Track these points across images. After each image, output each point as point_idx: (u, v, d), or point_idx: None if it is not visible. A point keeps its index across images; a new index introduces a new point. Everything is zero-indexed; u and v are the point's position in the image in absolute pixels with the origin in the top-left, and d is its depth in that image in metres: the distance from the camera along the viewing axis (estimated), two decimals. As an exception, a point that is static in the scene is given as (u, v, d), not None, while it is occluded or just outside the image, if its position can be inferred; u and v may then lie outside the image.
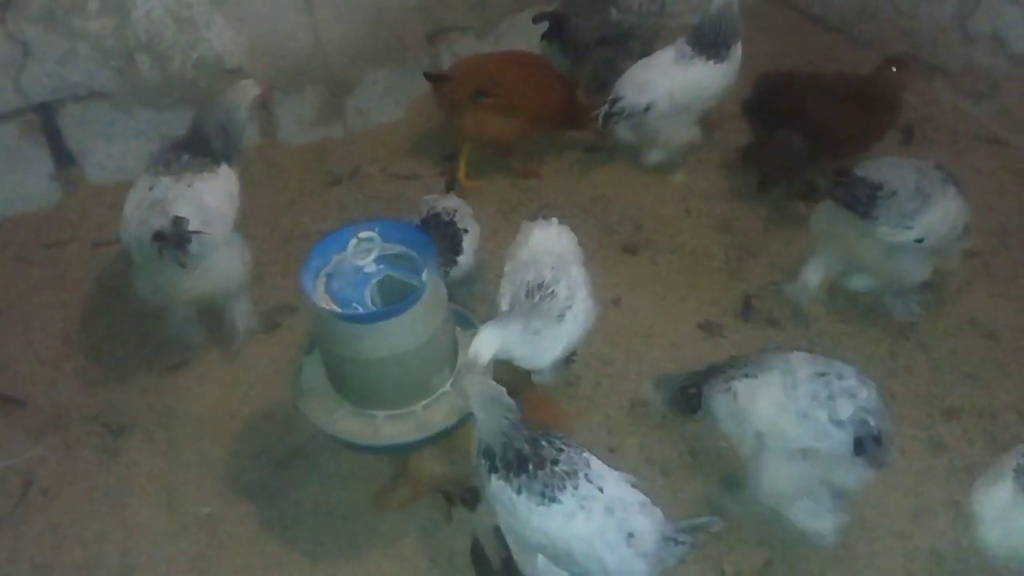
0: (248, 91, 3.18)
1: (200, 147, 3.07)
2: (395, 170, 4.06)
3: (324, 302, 2.44)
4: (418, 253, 2.53)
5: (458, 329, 2.73)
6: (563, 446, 2.25)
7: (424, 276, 2.46)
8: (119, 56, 3.76)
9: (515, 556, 2.36)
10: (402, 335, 2.40)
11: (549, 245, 2.87)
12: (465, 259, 3.15)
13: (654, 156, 3.96)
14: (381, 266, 2.51)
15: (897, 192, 2.92)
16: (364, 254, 2.49)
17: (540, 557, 2.30)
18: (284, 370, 3.09)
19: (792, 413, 2.39)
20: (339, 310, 2.41)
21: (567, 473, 2.19)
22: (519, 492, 2.19)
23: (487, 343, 2.44)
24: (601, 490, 2.19)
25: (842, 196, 2.97)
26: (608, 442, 2.94)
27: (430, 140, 4.21)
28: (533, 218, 2.99)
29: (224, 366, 3.28)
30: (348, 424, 2.55)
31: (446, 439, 2.64)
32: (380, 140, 4.20)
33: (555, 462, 2.20)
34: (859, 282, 3.28)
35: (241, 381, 3.22)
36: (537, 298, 2.67)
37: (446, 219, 3.13)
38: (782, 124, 3.63)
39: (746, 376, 2.50)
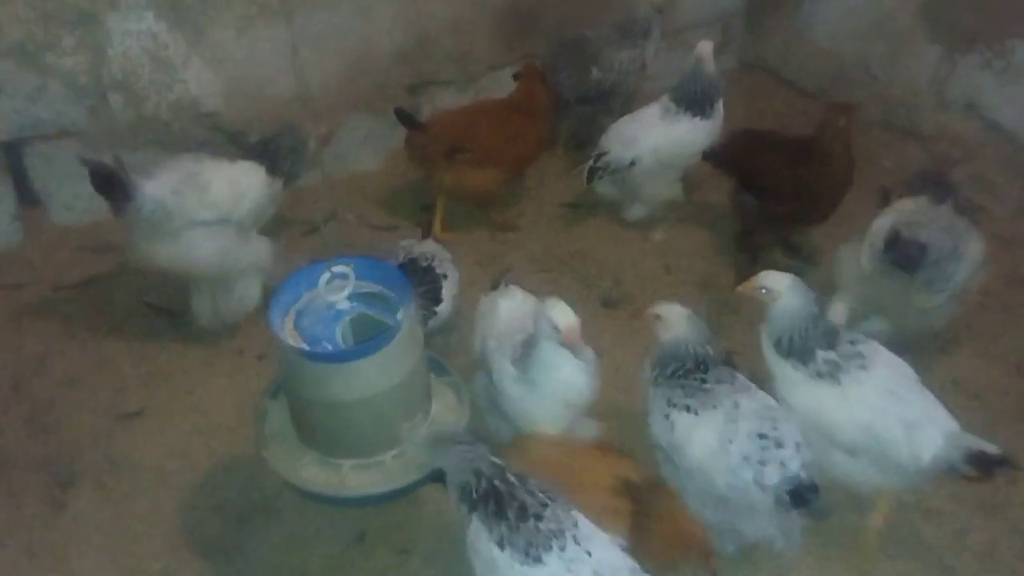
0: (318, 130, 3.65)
1: (259, 152, 3.38)
2: (373, 219, 3.99)
3: (292, 339, 2.32)
4: (394, 292, 2.43)
5: (432, 377, 2.61)
6: (547, 500, 2.12)
7: (400, 315, 2.36)
8: (92, 94, 3.68)
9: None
10: (374, 376, 2.29)
11: (520, 313, 2.79)
12: (444, 307, 3.04)
13: (636, 212, 3.94)
14: (355, 303, 2.41)
15: (940, 261, 2.92)
16: (337, 290, 2.38)
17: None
18: (248, 419, 2.94)
19: (722, 465, 2.37)
20: (307, 348, 2.29)
21: (553, 532, 2.06)
22: (501, 546, 2.06)
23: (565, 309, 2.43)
24: (589, 554, 2.05)
25: (896, 258, 2.93)
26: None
27: (408, 190, 4.15)
28: (494, 287, 2.95)
29: (184, 413, 3.13)
30: (312, 473, 2.41)
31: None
32: (358, 188, 4.14)
33: (539, 517, 2.07)
34: (878, 326, 3.15)
35: (202, 429, 3.07)
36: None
37: (424, 264, 3.03)
38: (737, 179, 3.70)
39: (687, 409, 2.45)
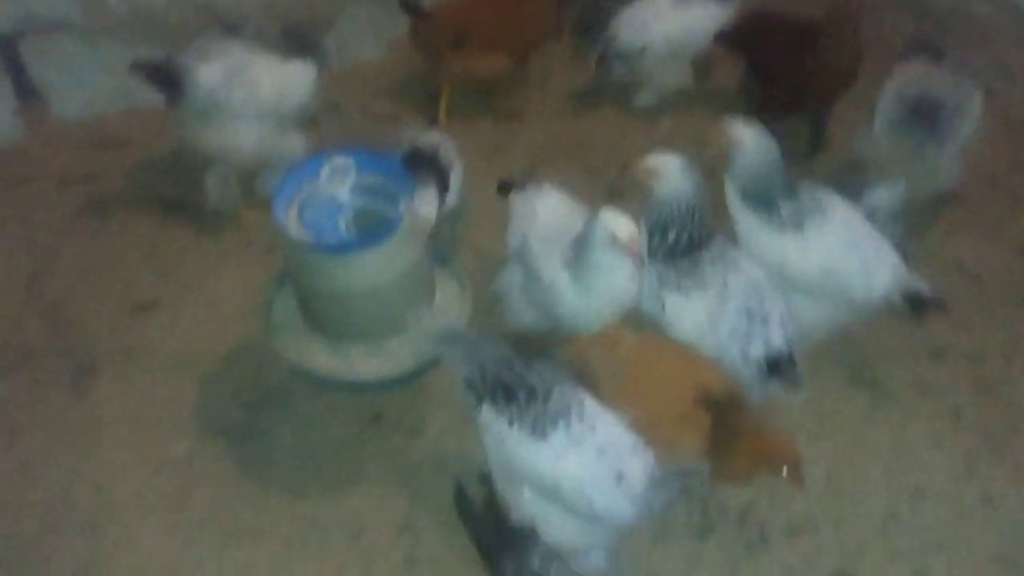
0: None
1: (299, 45, 3.31)
2: (376, 110, 3.94)
3: (296, 231, 2.34)
4: (396, 184, 2.43)
5: (436, 267, 2.64)
6: (554, 380, 2.20)
7: (402, 207, 2.37)
8: (85, -15, 3.60)
9: (499, 487, 2.31)
10: (377, 268, 2.32)
11: (560, 214, 2.74)
12: (451, 197, 3.03)
13: (645, 98, 3.89)
14: (357, 196, 2.42)
15: (952, 116, 3.03)
16: (338, 182, 2.39)
17: (526, 490, 2.25)
18: (258, 307, 2.99)
19: (709, 340, 2.48)
20: (312, 240, 2.31)
21: (559, 411, 2.15)
22: (510, 423, 2.15)
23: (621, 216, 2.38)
24: (593, 430, 2.14)
25: (919, 119, 3.02)
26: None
27: (411, 80, 4.08)
28: (521, 188, 2.86)
29: (196, 304, 3.19)
30: (321, 360, 2.47)
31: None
32: (359, 78, 4.06)
33: (547, 398, 2.16)
34: (891, 194, 3.01)
35: (214, 319, 3.13)
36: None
37: (429, 155, 3.02)
38: (745, 63, 3.67)
39: (678, 290, 2.52)
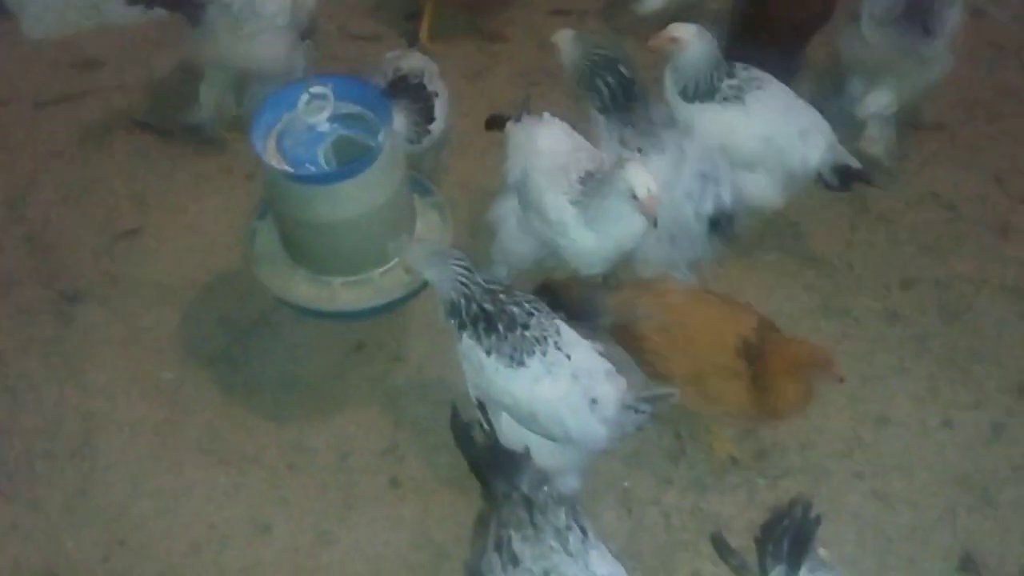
0: None
1: None
2: (355, 30, 3.86)
3: (275, 161, 2.34)
4: (375, 112, 2.41)
5: (416, 197, 2.65)
6: (533, 310, 2.26)
7: (381, 136, 2.36)
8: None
9: (478, 412, 2.39)
10: (357, 197, 2.32)
11: (563, 145, 2.66)
12: (436, 125, 2.98)
13: (651, 3, 3.79)
14: (335, 125, 2.40)
15: (940, 9, 3.00)
16: (316, 111, 2.37)
17: (504, 416, 2.34)
18: (240, 236, 3.01)
19: (666, 199, 2.54)
20: (291, 170, 2.31)
21: (536, 339, 2.22)
22: (489, 353, 2.22)
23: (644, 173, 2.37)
24: (569, 357, 2.22)
25: (912, 13, 2.99)
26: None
27: (391, -1, 3.99)
28: (517, 118, 2.74)
29: (178, 232, 3.20)
30: (304, 290, 2.51)
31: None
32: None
33: (525, 326, 2.22)
34: (885, 98, 3.20)
35: (197, 247, 3.14)
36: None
37: (415, 82, 2.97)
38: None
39: (640, 151, 2.63)
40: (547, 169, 2.59)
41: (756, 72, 2.85)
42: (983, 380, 2.83)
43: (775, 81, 2.86)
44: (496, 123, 2.84)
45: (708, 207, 2.67)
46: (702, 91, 2.79)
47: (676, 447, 2.71)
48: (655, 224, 2.38)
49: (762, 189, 2.87)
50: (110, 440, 2.73)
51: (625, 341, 2.48)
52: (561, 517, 1.92)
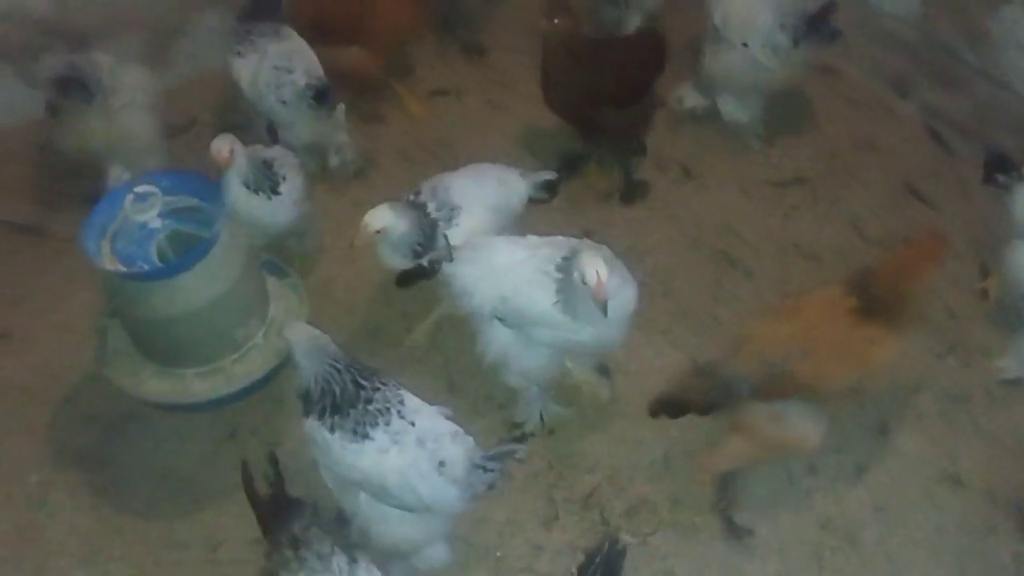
0: None
1: None
2: (233, 120, 3.92)
3: (108, 262, 2.36)
4: (210, 204, 2.46)
5: (273, 280, 2.67)
6: (380, 385, 2.28)
7: (216, 227, 2.40)
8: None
9: (336, 495, 2.39)
10: (196, 289, 2.35)
11: (517, 252, 2.62)
12: (285, 208, 2.97)
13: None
14: (168, 221, 2.44)
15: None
16: (145, 210, 2.41)
17: (361, 494, 2.33)
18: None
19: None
20: (122, 269, 2.33)
21: (379, 411, 2.24)
22: (332, 431, 2.23)
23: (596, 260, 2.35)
24: (413, 424, 2.25)
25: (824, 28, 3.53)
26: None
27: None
28: (447, 259, 2.62)
29: (48, 331, 3.17)
30: (156, 385, 2.50)
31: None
32: (216, 88, 4.04)
33: (369, 401, 2.24)
34: (738, 111, 3.73)
35: (66, 346, 3.11)
36: None
37: (266, 159, 3.01)
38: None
39: None
40: (527, 281, 2.54)
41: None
42: (844, 422, 2.89)
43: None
44: (415, 276, 2.67)
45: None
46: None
47: (550, 512, 2.72)
48: (604, 311, 2.34)
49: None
50: (-29, 550, 2.65)
51: (780, 392, 2.43)
52: (326, 545, 1.96)
